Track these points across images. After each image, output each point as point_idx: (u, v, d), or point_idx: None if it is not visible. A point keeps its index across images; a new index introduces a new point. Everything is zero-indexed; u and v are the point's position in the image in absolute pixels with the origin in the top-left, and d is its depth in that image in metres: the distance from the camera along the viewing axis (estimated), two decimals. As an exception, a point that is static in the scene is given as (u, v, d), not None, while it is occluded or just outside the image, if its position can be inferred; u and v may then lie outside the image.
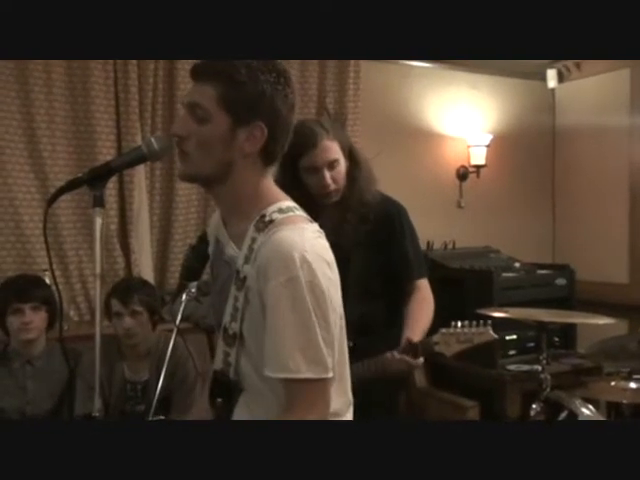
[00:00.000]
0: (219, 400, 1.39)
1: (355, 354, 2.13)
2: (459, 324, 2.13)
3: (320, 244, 1.33)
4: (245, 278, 1.30)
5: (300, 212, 1.38)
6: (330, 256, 1.34)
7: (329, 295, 1.28)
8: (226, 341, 1.35)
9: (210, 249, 1.57)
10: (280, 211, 1.33)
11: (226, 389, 1.37)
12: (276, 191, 1.40)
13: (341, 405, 1.41)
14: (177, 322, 2.07)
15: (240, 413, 1.37)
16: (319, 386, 1.27)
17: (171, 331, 2.29)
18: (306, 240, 1.28)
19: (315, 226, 1.37)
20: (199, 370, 2.68)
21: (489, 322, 2.13)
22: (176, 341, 2.31)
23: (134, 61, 3.39)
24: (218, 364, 1.38)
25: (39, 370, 2.73)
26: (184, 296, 2.11)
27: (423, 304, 2.32)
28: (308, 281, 1.24)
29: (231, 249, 1.39)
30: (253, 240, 1.31)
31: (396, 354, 2.13)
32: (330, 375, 1.28)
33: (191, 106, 1.32)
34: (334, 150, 2.18)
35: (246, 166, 1.34)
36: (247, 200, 1.35)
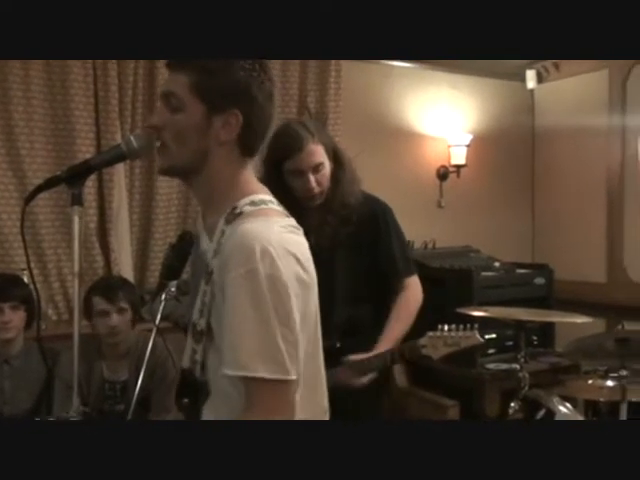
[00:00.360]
0: (185, 400, 1.36)
1: (341, 355, 2.14)
2: (446, 327, 2.12)
3: (292, 239, 1.28)
4: (212, 272, 1.27)
5: (274, 205, 1.34)
6: (304, 254, 1.29)
7: (295, 293, 1.23)
8: (194, 338, 1.31)
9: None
10: (252, 204, 1.30)
11: (192, 388, 1.33)
12: (253, 183, 1.36)
13: (313, 415, 1.36)
14: (157, 321, 2.06)
15: (206, 414, 1.33)
16: (279, 388, 1.21)
17: (150, 330, 2.28)
18: (272, 232, 1.23)
19: (290, 221, 1.33)
20: (178, 370, 2.66)
21: (475, 325, 2.12)
22: (155, 340, 2.30)
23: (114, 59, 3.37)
24: (185, 362, 1.34)
25: (17, 370, 2.70)
26: (164, 295, 2.09)
27: (408, 304, 2.32)
28: (268, 274, 1.18)
29: (204, 242, 1.37)
30: (222, 233, 1.28)
31: (340, 369, 2.11)
32: (291, 377, 1.21)
33: (165, 95, 1.30)
34: (319, 154, 2.17)
35: (222, 155, 1.31)
36: (222, 191, 1.32)
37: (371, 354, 2.17)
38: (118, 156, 1.35)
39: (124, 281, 2.90)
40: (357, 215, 2.25)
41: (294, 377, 1.22)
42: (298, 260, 1.26)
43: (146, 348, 2.28)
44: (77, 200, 1.30)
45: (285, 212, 1.35)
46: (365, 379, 2.15)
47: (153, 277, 3.54)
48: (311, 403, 1.35)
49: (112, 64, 3.36)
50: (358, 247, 2.29)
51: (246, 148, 1.34)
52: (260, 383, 1.19)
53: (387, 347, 2.19)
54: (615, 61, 4.24)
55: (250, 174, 1.37)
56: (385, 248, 2.32)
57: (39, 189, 1.32)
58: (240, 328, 1.19)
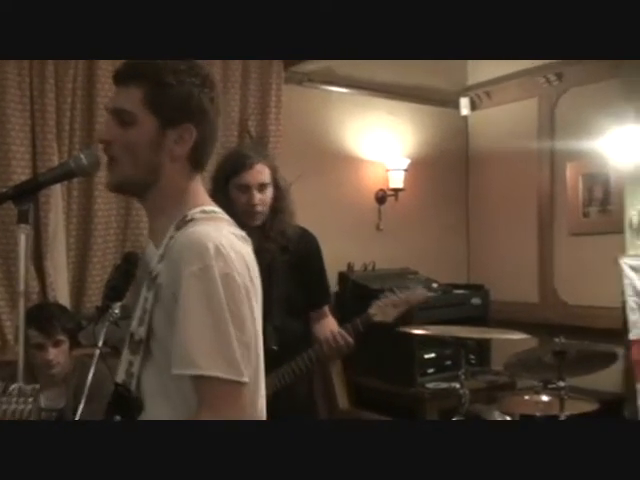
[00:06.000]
0: (116, 418, 1.29)
1: (277, 359, 2.21)
2: (389, 292, 2.36)
3: (242, 247, 1.28)
4: (157, 276, 1.24)
5: (225, 216, 1.35)
6: (252, 264, 1.29)
7: (247, 295, 1.22)
8: (131, 349, 1.27)
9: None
10: (203, 212, 1.30)
11: (126, 404, 1.26)
12: (203, 196, 1.37)
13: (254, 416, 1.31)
14: (100, 344, 2.02)
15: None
16: (232, 389, 1.18)
17: (88, 355, 2.22)
18: (222, 236, 1.23)
19: (240, 231, 1.34)
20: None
21: (419, 284, 2.40)
22: (96, 366, 2.24)
23: (52, 80, 3.31)
24: (120, 376, 1.29)
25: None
26: (107, 317, 2.05)
27: (335, 324, 2.53)
28: (223, 273, 1.18)
29: (150, 250, 1.35)
30: (170, 238, 1.26)
31: (334, 331, 2.34)
32: (244, 380, 1.19)
33: (116, 111, 1.28)
34: (266, 174, 2.34)
35: (174, 170, 1.31)
36: (172, 203, 1.32)
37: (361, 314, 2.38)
38: (67, 173, 1.34)
39: (61, 309, 2.80)
40: (293, 245, 2.40)
41: (247, 380, 1.19)
42: (248, 268, 1.26)
43: (84, 373, 2.22)
44: (24, 218, 1.28)
45: (234, 223, 1.36)
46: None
47: (90, 302, 3.45)
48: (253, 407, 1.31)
49: (50, 85, 3.30)
50: (293, 275, 2.43)
51: (197, 163, 1.34)
52: (212, 383, 1.16)
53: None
54: (544, 90, 4.45)
55: (200, 186, 1.37)
56: (319, 278, 2.55)
57: None
58: (192, 326, 1.17)
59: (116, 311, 2.07)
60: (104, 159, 1.34)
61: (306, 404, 2.45)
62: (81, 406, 2.21)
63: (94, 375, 2.35)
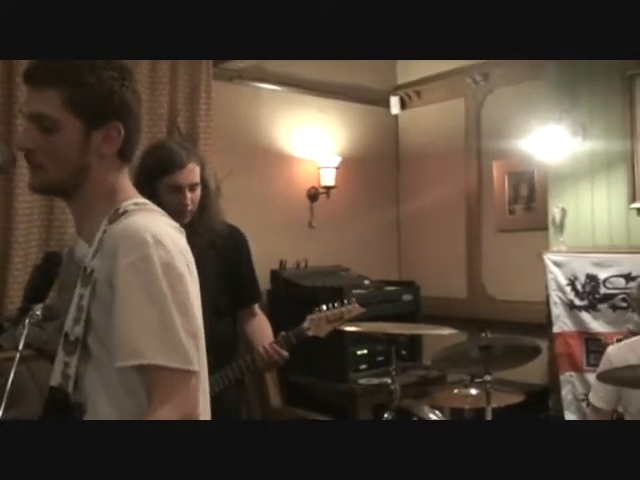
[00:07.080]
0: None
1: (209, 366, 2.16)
2: (324, 307, 2.38)
3: (179, 238, 1.28)
4: (92, 272, 1.21)
5: (157, 208, 1.33)
6: (188, 255, 1.29)
7: (188, 285, 1.21)
8: (66, 349, 1.22)
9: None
10: (135, 204, 1.28)
11: (63, 409, 1.22)
12: (131, 190, 1.34)
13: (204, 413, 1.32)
14: (20, 347, 1.93)
15: None
16: (181, 378, 1.16)
17: (8, 359, 2.13)
18: (159, 227, 1.23)
19: (174, 222, 1.33)
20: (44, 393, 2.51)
21: (353, 299, 2.41)
22: (17, 370, 2.15)
23: (-32, 72, 3.17)
24: (55, 379, 1.25)
25: None
26: (28, 319, 1.97)
27: (267, 323, 2.53)
28: (164, 262, 1.17)
29: (81, 248, 1.31)
30: (104, 232, 1.23)
31: (267, 346, 2.32)
32: (194, 368, 1.17)
33: (36, 117, 1.22)
34: (197, 173, 2.29)
35: (103, 167, 1.28)
36: (103, 200, 1.29)
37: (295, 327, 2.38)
38: (-20, 170, 1.28)
39: None
40: (221, 241, 2.37)
41: (197, 368, 1.18)
42: (185, 259, 1.26)
43: (4, 378, 2.13)
44: None
45: (167, 214, 1.34)
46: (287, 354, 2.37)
47: (12, 303, 3.32)
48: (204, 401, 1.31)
49: (-34, 79, 3.17)
50: (222, 271, 2.40)
51: (125, 156, 1.32)
52: (160, 372, 1.14)
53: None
54: (471, 90, 4.55)
55: (127, 181, 1.35)
56: (247, 275, 2.52)
57: None
58: (134, 316, 1.15)
59: (37, 312, 1.99)
60: (21, 156, 1.28)
61: (236, 408, 2.43)
62: (0, 411, 2.13)
63: (14, 379, 2.26)
